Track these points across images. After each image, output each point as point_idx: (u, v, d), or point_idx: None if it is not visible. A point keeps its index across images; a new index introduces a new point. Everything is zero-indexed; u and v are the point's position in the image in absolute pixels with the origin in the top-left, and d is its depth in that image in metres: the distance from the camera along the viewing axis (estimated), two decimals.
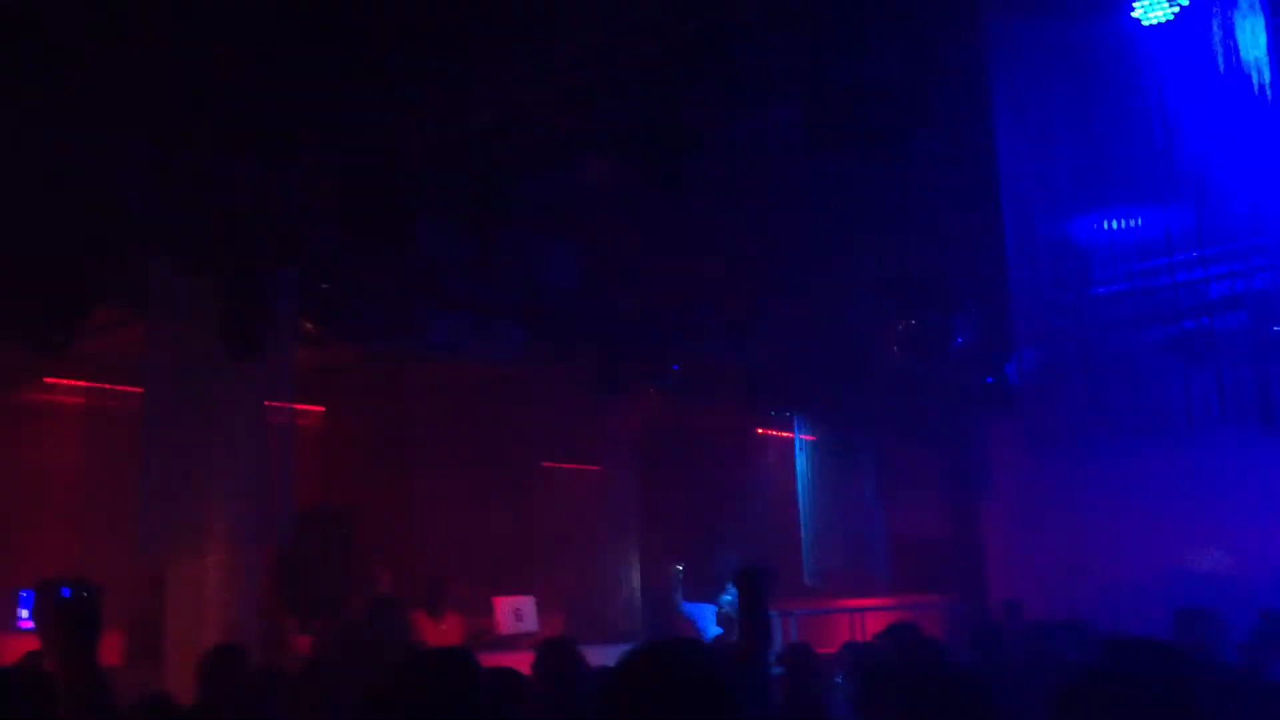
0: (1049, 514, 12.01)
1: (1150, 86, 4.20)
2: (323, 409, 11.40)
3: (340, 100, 5.64)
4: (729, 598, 9.50)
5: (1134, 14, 4.54)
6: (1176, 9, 4.60)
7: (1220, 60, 4.75)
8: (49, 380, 9.67)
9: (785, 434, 13.05)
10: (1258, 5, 4.66)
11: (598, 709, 2.26)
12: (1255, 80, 4.68)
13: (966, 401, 11.49)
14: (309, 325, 8.32)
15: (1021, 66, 4.53)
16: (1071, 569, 11.43)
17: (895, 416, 11.75)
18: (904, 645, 6.05)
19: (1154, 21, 4.59)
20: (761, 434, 13.98)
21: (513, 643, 9.05)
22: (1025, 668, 4.86)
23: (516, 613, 9.47)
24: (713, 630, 10.48)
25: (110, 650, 9.34)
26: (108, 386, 9.71)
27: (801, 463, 12.48)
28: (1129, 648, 3.20)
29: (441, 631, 9.85)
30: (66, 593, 2.36)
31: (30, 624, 6.45)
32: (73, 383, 9.82)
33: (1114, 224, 4.51)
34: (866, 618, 11.85)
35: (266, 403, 8.03)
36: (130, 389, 8.68)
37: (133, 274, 7.07)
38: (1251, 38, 4.77)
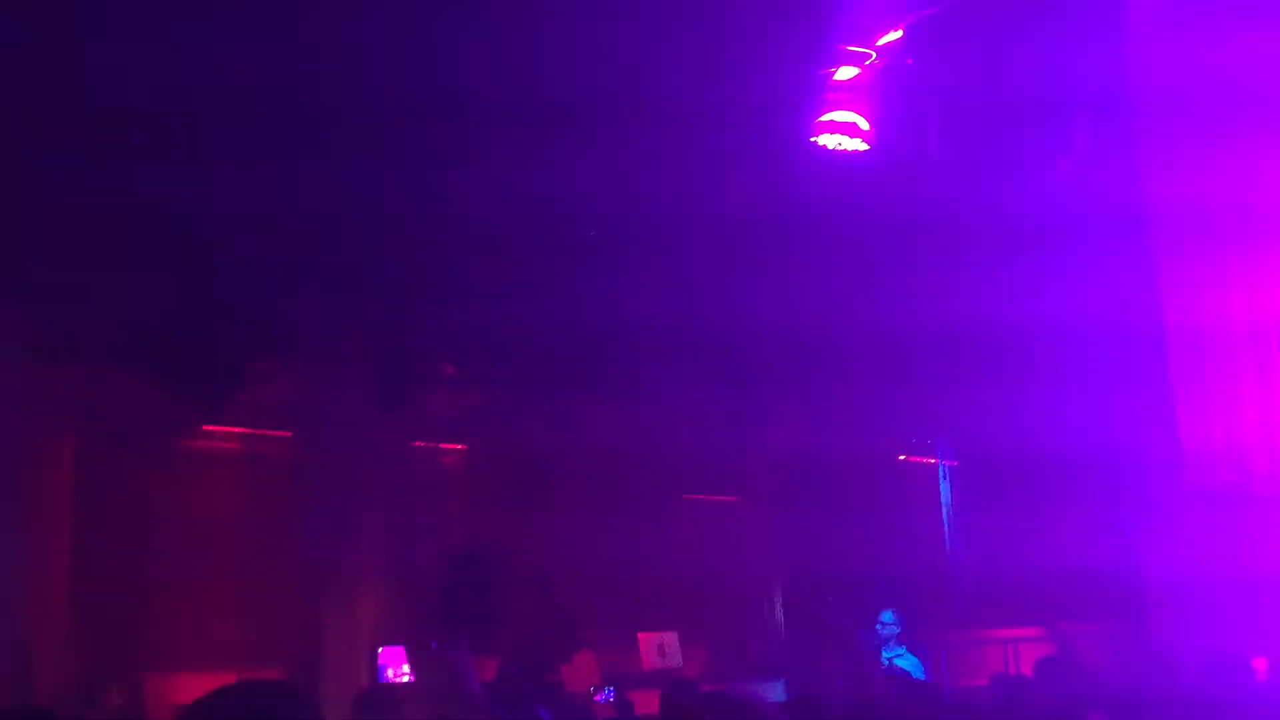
0: (1206, 540, 11.46)
1: None
2: (464, 447, 11.62)
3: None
4: (877, 628, 9.31)
5: None
6: None
7: None
8: (208, 427, 10.07)
9: (928, 460, 12.82)
10: None
11: None
12: None
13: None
14: (449, 369, 8.56)
15: None
16: (1235, 596, 10.88)
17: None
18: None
19: None
20: (903, 460, 13.74)
21: (658, 679, 9.06)
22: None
23: (661, 649, 9.46)
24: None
25: None
26: (264, 432, 10.08)
27: (945, 490, 12.24)
28: None
29: (576, 672, 9.84)
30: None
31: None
32: (230, 429, 10.22)
33: None
34: (1020, 648, 11.51)
35: (414, 444, 8.31)
36: (285, 434, 9.01)
37: (285, 330, 7.39)
38: None
